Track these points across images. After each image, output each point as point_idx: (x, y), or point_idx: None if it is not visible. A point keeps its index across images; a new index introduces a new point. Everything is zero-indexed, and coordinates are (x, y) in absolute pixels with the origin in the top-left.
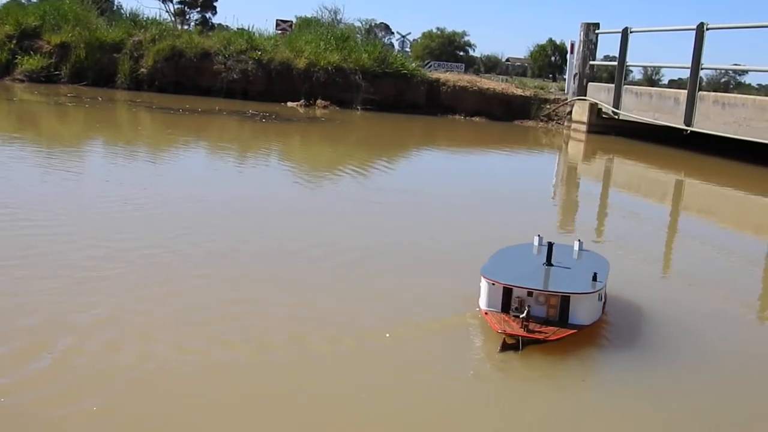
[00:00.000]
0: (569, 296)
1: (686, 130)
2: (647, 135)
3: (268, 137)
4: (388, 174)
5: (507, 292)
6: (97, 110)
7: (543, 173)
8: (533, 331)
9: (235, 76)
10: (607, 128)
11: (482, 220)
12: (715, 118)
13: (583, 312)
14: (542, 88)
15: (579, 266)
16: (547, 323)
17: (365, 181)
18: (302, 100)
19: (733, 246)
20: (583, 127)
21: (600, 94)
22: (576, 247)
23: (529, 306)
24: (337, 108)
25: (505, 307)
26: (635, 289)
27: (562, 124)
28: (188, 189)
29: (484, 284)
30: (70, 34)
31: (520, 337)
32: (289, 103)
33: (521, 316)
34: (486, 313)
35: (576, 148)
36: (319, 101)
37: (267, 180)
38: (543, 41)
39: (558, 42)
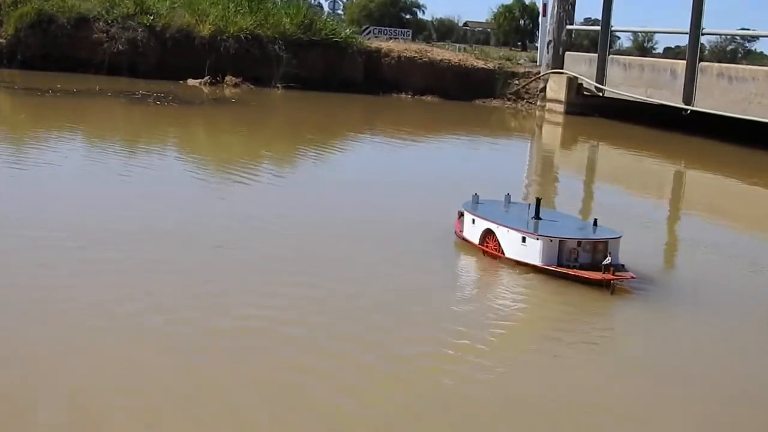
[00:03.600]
0: (607, 242)
1: (686, 110)
2: (638, 116)
3: (162, 126)
4: (311, 179)
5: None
6: None
7: (511, 167)
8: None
9: (120, 47)
10: (588, 108)
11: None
12: (720, 95)
13: (616, 254)
14: (509, 60)
15: (564, 219)
16: (594, 267)
17: (281, 189)
18: (207, 77)
19: None
20: (560, 107)
21: (580, 66)
22: (535, 204)
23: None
24: (252, 86)
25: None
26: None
27: (535, 104)
28: (34, 213)
29: (536, 243)
30: None
31: (612, 282)
32: (190, 81)
33: (604, 263)
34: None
35: (552, 133)
36: (228, 78)
37: (157, 189)
38: (509, 1)
39: (527, 2)
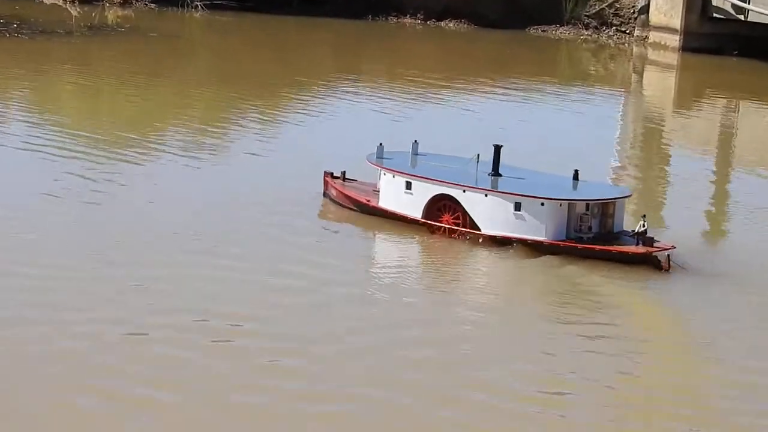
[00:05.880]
0: (614, 202)
1: None
2: None
3: (4, 79)
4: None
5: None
6: None
7: (592, 140)
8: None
9: None
10: (722, 41)
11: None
12: None
13: (622, 216)
14: None
15: (531, 175)
16: (606, 237)
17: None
18: None
19: None
20: (674, 40)
21: None
22: (493, 155)
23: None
24: (153, 6)
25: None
26: None
27: (629, 34)
28: None
29: (485, 199)
30: None
31: (655, 255)
32: None
33: (636, 231)
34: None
35: (660, 83)
36: None
37: None
38: None
39: None
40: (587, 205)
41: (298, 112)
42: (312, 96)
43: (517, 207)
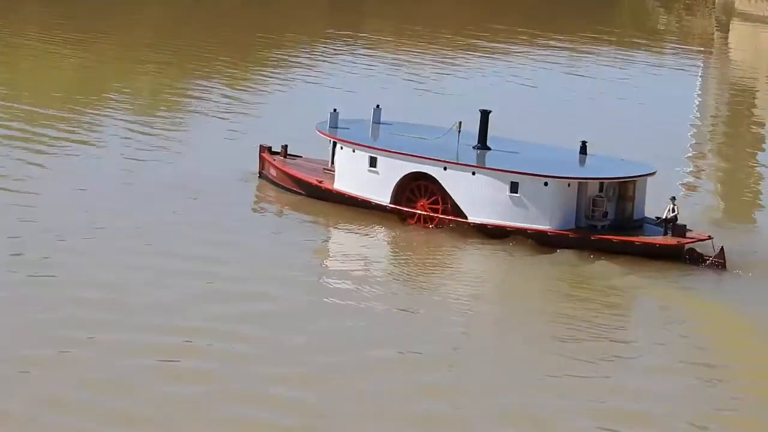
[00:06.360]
0: (635, 181)
1: None
2: None
3: None
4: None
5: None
6: None
7: (659, 115)
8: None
9: None
10: None
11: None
12: None
13: (644, 199)
14: None
15: (526, 148)
16: (625, 225)
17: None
18: None
19: None
20: None
21: None
22: (480, 124)
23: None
24: None
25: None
26: None
27: None
28: None
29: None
30: None
31: (690, 248)
32: None
33: (666, 216)
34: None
35: (750, 43)
36: None
37: None
38: None
39: None
40: (601, 185)
41: (267, 76)
42: (315, 65)
43: (514, 188)
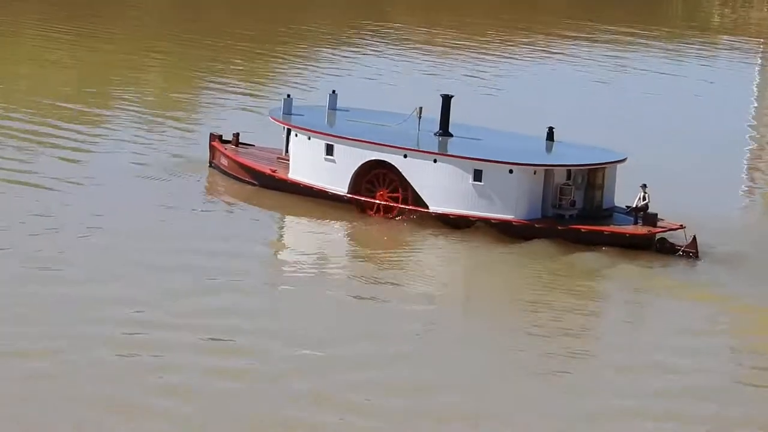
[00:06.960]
0: (604, 168)
1: None
2: None
3: None
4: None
5: (548, 176)
6: None
7: (710, 126)
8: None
9: None
10: None
11: None
12: None
13: (613, 188)
14: None
15: (489, 135)
16: (594, 214)
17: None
18: None
19: None
20: None
21: None
22: (441, 111)
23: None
24: None
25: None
26: None
27: None
28: None
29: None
30: None
31: (662, 238)
32: None
33: (637, 205)
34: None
35: None
36: None
37: None
38: None
39: None
40: (569, 173)
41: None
42: (338, 60)
43: (477, 176)
